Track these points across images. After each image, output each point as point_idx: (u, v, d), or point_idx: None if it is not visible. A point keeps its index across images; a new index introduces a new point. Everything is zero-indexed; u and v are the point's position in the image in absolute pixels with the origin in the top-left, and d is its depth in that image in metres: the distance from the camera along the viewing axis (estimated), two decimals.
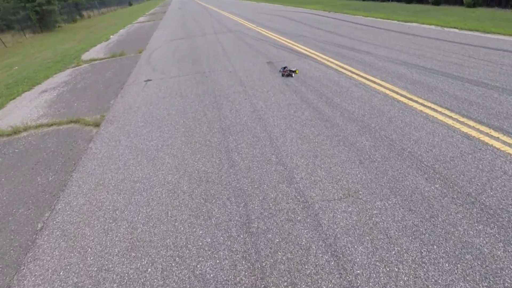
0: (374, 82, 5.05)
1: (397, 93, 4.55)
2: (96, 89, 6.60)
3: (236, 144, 3.56)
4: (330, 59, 6.67)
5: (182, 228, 2.44)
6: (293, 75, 5.77)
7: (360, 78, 5.30)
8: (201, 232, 2.38)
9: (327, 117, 3.99)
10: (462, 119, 3.61)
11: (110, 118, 4.80)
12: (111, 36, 16.48)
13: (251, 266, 2.05)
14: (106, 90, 6.39)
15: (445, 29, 9.36)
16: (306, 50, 7.71)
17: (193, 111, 4.65)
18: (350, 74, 5.60)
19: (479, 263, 1.94)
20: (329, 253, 2.08)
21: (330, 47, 7.89)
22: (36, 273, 2.23)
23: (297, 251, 2.12)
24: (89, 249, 2.35)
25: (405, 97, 4.39)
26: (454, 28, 9.39)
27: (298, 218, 2.39)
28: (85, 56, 10.88)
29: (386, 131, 3.51)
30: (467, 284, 1.82)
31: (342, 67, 6.04)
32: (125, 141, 3.98)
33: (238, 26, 14.06)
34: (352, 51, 7.30)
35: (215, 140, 3.71)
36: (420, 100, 4.23)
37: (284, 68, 6.05)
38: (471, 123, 3.51)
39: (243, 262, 2.09)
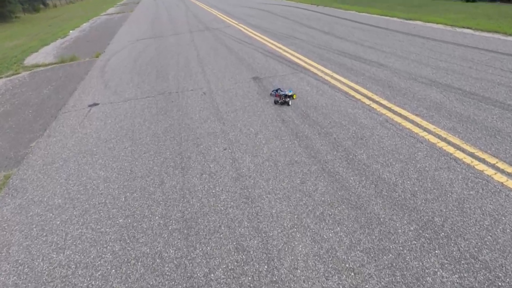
0: (407, 119, 3.60)
1: (448, 142, 3.10)
2: (21, 117, 4.82)
3: (207, 272, 2.03)
4: (335, 75, 5.18)
5: None
6: (289, 102, 4.25)
7: (384, 111, 3.82)
8: None
9: (355, 198, 2.48)
10: None
11: (16, 184, 3.12)
12: (70, 31, 14.27)
13: None
14: (34, 120, 4.64)
15: (457, 29, 8.04)
16: (301, 60, 6.18)
17: (144, 174, 3.02)
18: (367, 101, 4.12)
19: None
20: None
21: (330, 54, 6.39)
22: None
23: None
24: None
25: (466, 152, 2.96)
26: (467, 28, 8.09)
27: None
28: (30, 59, 8.87)
29: (469, 241, 2.06)
30: None
31: (354, 89, 4.56)
32: (16, 249, 2.35)
33: (218, 22, 12.28)
34: (359, 61, 5.84)
35: (168, 256, 2.14)
36: (498, 163, 2.82)
37: (277, 90, 4.53)
38: None
39: None
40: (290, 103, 4.21)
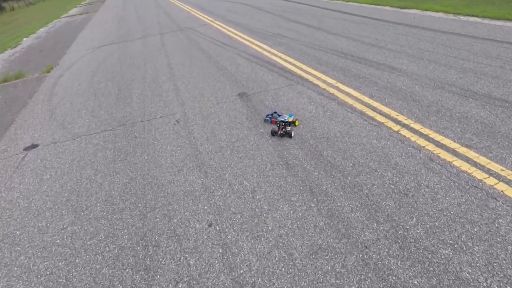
0: (457, 154, 2.61)
1: None
2: None
3: None
4: (341, 86, 4.16)
5: None
6: (292, 133, 3.21)
7: (421, 140, 2.79)
8: None
9: None
10: None
11: None
12: (24, 39, 12.60)
13: None
14: None
15: (462, 18, 7.17)
16: (295, 66, 5.12)
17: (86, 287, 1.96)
18: (393, 126, 3.11)
19: None
20: None
21: (328, 56, 5.36)
22: None
23: None
24: None
25: None
26: (473, 16, 7.23)
27: None
28: None
29: None
30: None
31: (370, 106, 3.54)
32: None
33: (192, 20, 10.97)
34: (364, 64, 4.84)
35: None
36: None
37: (272, 115, 3.47)
38: None
39: None
40: (292, 134, 3.18)
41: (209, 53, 6.48)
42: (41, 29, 14.84)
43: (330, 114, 3.52)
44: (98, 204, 2.63)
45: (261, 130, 3.39)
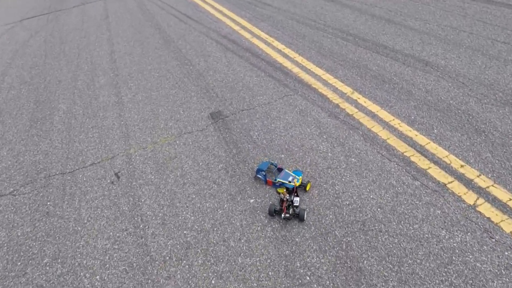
0: None
1: None
2: None
3: None
4: (362, 99, 2.79)
5: None
6: (304, 215, 1.89)
7: None
8: None
9: None
10: None
11: None
12: None
13: None
14: None
15: None
16: (287, 56, 3.63)
17: None
18: (470, 197, 1.97)
19: None
20: None
21: (331, 40, 3.84)
22: None
23: None
24: None
25: None
26: None
27: None
28: None
29: None
30: None
31: (415, 144, 2.28)
32: None
33: None
34: (385, 54, 3.43)
35: None
36: None
37: (266, 169, 2.20)
38: None
39: None
40: (305, 217, 1.94)
41: (168, 33, 4.78)
42: None
43: (356, 162, 2.26)
44: None
45: (251, 201, 2.11)
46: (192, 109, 3.05)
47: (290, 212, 1.89)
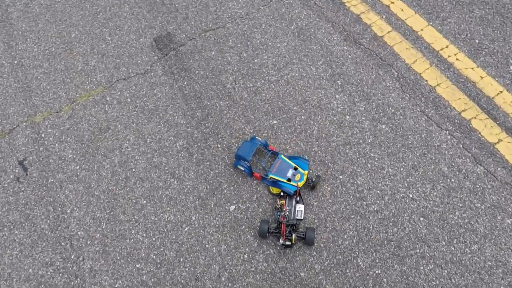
0: None
1: None
2: None
3: None
4: (404, 12, 1.71)
5: None
6: (312, 237, 1.21)
7: None
8: None
9: None
10: None
11: None
12: None
13: None
14: None
15: None
16: None
17: None
18: None
19: None
20: None
21: None
22: None
23: None
24: None
25: None
26: None
27: None
28: None
29: None
30: None
31: None
32: None
33: None
34: None
35: None
36: None
37: (248, 160, 1.37)
38: None
39: None
40: (314, 239, 1.26)
41: None
42: None
43: (387, 132, 1.45)
44: None
45: (232, 209, 1.41)
46: (125, 31, 1.90)
47: (293, 238, 1.24)
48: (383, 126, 1.50)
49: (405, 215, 1.33)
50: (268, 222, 1.27)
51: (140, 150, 1.56)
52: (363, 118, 1.53)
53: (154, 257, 1.35)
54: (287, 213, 1.27)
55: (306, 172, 1.35)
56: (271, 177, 1.36)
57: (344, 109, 1.56)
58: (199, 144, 1.55)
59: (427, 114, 1.50)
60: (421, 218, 1.32)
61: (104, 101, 1.70)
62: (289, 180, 1.34)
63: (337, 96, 1.59)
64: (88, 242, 1.40)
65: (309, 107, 1.58)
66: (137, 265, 1.34)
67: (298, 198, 1.33)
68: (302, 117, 1.56)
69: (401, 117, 1.51)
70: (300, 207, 1.32)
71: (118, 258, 1.36)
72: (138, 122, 1.63)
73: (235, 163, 1.43)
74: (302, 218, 1.30)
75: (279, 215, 1.27)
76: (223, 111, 1.62)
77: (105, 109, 1.68)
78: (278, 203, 1.31)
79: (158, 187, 1.47)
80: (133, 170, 1.52)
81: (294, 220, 1.26)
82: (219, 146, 1.54)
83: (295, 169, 1.35)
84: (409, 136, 1.47)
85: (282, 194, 1.35)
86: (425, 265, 1.24)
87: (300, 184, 1.32)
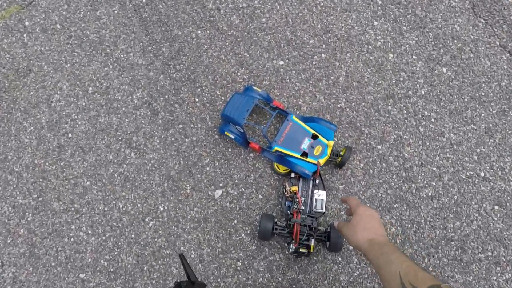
0: None
1: None
2: None
3: None
4: None
5: None
6: (341, 243, 0.77)
7: None
8: None
9: None
10: None
11: None
12: None
13: None
14: None
15: None
16: None
17: None
18: None
19: None
20: None
21: None
22: None
23: None
24: None
25: None
26: None
27: None
28: None
29: None
30: None
31: None
32: None
33: None
34: None
35: None
36: None
37: (241, 125, 0.88)
38: None
39: None
40: (342, 245, 0.85)
41: None
42: None
43: (452, 78, 0.98)
44: None
45: (217, 195, 0.95)
46: None
47: (312, 245, 0.82)
48: (444, 70, 1.01)
49: (473, 202, 0.91)
50: (273, 219, 0.84)
51: (78, 104, 1.05)
52: (414, 57, 1.02)
53: (106, 264, 0.93)
54: (302, 207, 0.83)
55: (331, 142, 0.88)
56: (276, 150, 0.89)
57: (386, 44, 1.04)
58: (166, 96, 1.04)
59: (511, 50, 1.00)
60: (496, 207, 0.91)
61: (21, 27, 1.12)
62: (304, 154, 0.88)
63: (375, 23, 1.06)
64: (8, 241, 0.96)
65: (333, 39, 1.05)
66: (81, 275, 0.93)
67: (317, 181, 0.89)
68: (323, 55, 1.04)
69: (472, 55, 1.01)
70: (321, 195, 0.88)
71: (53, 264, 0.94)
72: (74, 61, 1.08)
73: (221, 127, 0.94)
74: (324, 211, 0.87)
75: (290, 208, 0.84)
76: (202, 46, 1.07)
77: (23, 39, 1.11)
78: (288, 189, 0.86)
79: (107, 162, 0.99)
80: (70, 135, 1.03)
81: (312, 219, 0.82)
82: (196, 100, 1.03)
83: (314, 137, 0.88)
84: (483, 85, 0.99)
85: (293, 175, 0.90)
86: (499, 275, 0.87)
87: (322, 161, 0.86)
